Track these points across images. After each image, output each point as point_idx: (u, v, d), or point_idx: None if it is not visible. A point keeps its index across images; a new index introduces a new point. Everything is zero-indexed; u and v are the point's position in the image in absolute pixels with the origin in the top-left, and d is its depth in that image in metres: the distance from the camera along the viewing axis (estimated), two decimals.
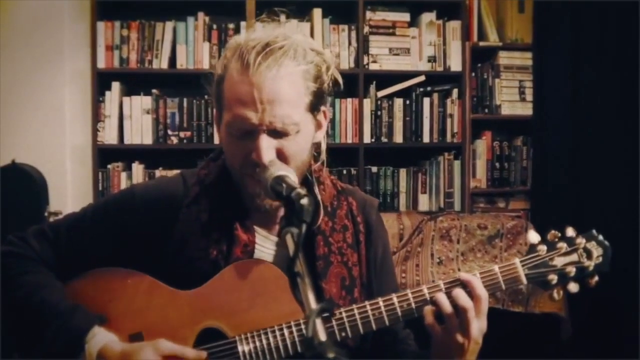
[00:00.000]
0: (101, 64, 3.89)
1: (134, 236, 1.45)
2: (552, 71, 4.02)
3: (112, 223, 1.48)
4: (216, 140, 3.93)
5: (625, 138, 3.60)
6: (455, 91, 4.13)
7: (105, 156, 3.93)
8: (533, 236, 1.44)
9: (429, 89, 4.13)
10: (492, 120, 4.20)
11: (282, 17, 3.86)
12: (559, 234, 1.44)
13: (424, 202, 4.13)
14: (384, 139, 4.06)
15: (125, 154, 3.98)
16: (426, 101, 4.11)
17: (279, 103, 1.33)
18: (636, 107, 3.52)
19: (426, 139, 4.11)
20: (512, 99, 4.17)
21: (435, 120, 4.11)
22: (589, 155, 3.84)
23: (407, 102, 4.09)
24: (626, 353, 3.43)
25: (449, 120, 4.12)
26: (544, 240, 1.43)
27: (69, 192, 3.47)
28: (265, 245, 1.48)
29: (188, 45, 3.95)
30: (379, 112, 4.06)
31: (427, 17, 4.11)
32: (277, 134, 1.35)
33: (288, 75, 1.34)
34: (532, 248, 1.43)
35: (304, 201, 1.18)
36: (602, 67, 3.76)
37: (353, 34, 4.04)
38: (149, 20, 3.94)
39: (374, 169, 4.08)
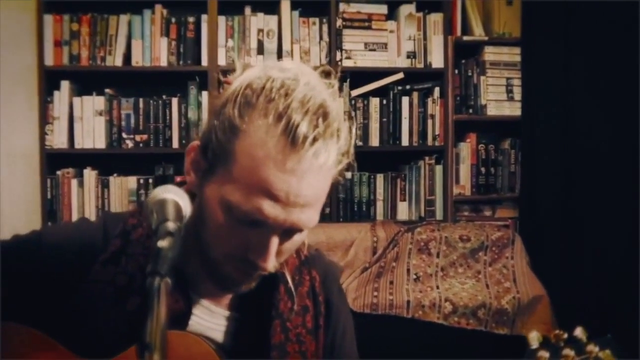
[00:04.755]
0: (49, 61, 3.58)
1: (33, 288, 1.14)
2: (542, 68, 3.74)
3: (8, 270, 1.15)
4: (175, 144, 3.64)
5: (621, 140, 3.36)
6: (436, 90, 3.82)
7: (54, 161, 3.62)
8: (533, 337, 1.13)
9: (408, 87, 3.82)
10: (477, 121, 3.90)
11: (247, 10, 3.42)
12: (565, 336, 1.12)
13: (403, 211, 3.82)
14: (359, 142, 3.75)
15: (76, 159, 3.67)
16: (405, 101, 3.80)
17: (311, 204, 1.02)
18: (634, 106, 3.28)
19: (405, 141, 3.81)
20: (499, 98, 3.87)
21: (415, 121, 3.81)
22: (581, 160, 3.59)
23: (384, 101, 3.79)
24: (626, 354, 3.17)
25: (430, 122, 3.82)
26: (545, 344, 1.12)
27: (4, 204, 3.16)
28: (208, 319, 1.17)
29: (144, 40, 3.64)
30: (353, 113, 3.75)
31: (406, 9, 3.81)
32: (290, 232, 1.05)
33: (328, 167, 1.02)
34: (531, 354, 1.11)
35: (162, 243, 0.86)
36: (596, 63, 3.52)
37: (325, 27, 3.74)
38: (102, 14, 3.63)
39: (348, 175, 3.76)
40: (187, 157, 1.10)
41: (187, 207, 0.97)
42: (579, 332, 1.13)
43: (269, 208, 0.99)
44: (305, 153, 0.97)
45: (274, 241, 1.03)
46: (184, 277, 1.13)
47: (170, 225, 0.90)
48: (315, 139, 0.97)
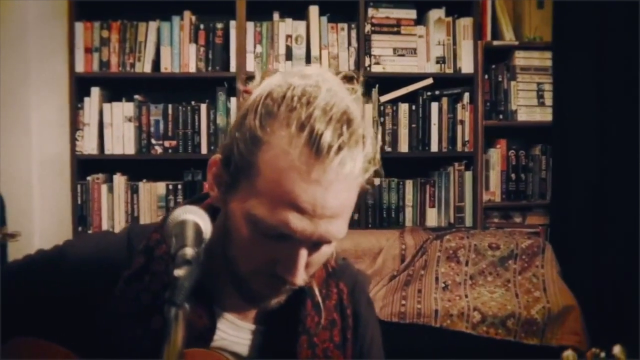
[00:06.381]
0: (79, 68, 3.61)
1: (56, 303, 1.13)
2: (574, 72, 3.67)
3: (33, 286, 1.16)
4: (204, 150, 3.64)
5: None
6: (466, 95, 3.78)
7: (84, 167, 3.66)
8: (568, 356, 1.09)
9: (437, 93, 3.78)
10: (507, 127, 3.84)
11: (276, 16, 3.40)
12: (602, 354, 1.07)
13: (432, 217, 3.78)
14: (388, 148, 3.72)
15: (105, 164, 3.71)
16: (434, 106, 3.76)
17: (339, 215, 0.99)
18: None
19: (434, 147, 3.77)
20: (530, 103, 3.81)
21: (444, 127, 3.77)
22: (614, 166, 3.51)
23: (413, 107, 3.75)
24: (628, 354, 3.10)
25: (459, 128, 3.78)
26: None
27: (36, 209, 3.19)
28: (233, 333, 1.16)
29: (173, 47, 3.65)
30: (382, 119, 3.73)
31: (436, 14, 3.77)
32: (318, 244, 1.02)
33: (355, 176, 0.98)
34: None
35: (179, 272, 0.85)
36: (629, 67, 3.43)
37: (353, 33, 3.72)
38: (131, 20, 3.65)
39: (377, 181, 3.74)
40: (209, 171, 1.08)
41: (207, 229, 0.95)
42: (617, 350, 1.08)
43: (296, 221, 0.96)
44: (330, 163, 0.94)
45: (303, 255, 1.00)
46: (208, 291, 1.11)
47: (189, 252, 0.88)
48: (340, 148, 0.94)
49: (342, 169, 0.95)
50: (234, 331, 1.16)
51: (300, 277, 1.02)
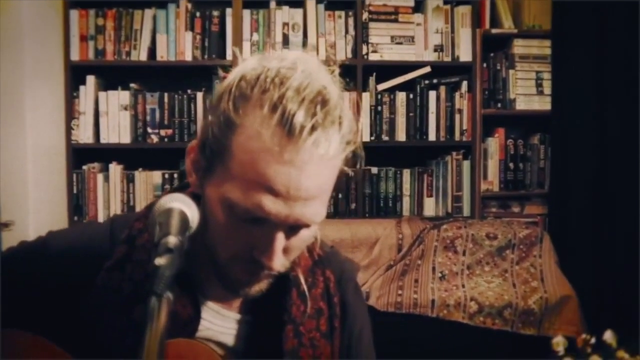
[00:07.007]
0: (75, 56, 3.60)
1: (38, 295, 1.12)
2: (573, 61, 3.63)
3: (16, 278, 1.14)
4: None
5: None
6: (464, 84, 3.75)
7: (79, 156, 3.64)
8: (558, 342, 1.07)
9: (435, 81, 3.76)
10: (505, 115, 3.81)
11: (272, 4, 3.37)
12: (593, 341, 1.06)
13: (429, 207, 3.77)
14: (385, 137, 3.71)
15: (101, 153, 3.69)
16: (432, 95, 3.74)
17: (314, 197, 0.97)
18: None
19: (432, 136, 3.75)
20: (528, 92, 3.78)
21: (442, 116, 3.75)
22: (613, 155, 3.48)
23: (411, 96, 3.73)
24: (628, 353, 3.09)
25: (457, 116, 3.75)
26: (571, 349, 1.06)
27: (31, 198, 3.16)
28: (219, 323, 1.15)
29: (169, 34, 3.63)
30: (379, 107, 3.70)
31: (434, 1, 3.75)
32: (296, 228, 1.00)
33: (330, 157, 0.96)
34: None
35: (160, 261, 0.83)
36: (629, 56, 3.39)
37: (350, 21, 3.70)
38: (127, 8, 3.63)
39: (374, 170, 3.73)
40: (187, 157, 1.06)
41: (194, 217, 0.94)
42: (608, 336, 1.06)
43: (270, 204, 0.94)
44: (303, 143, 0.92)
45: (279, 238, 0.99)
46: (192, 281, 1.10)
47: (171, 240, 0.86)
48: (313, 128, 0.92)
49: (316, 149, 0.93)
50: (220, 321, 1.15)
51: (278, 261, 1.00)
